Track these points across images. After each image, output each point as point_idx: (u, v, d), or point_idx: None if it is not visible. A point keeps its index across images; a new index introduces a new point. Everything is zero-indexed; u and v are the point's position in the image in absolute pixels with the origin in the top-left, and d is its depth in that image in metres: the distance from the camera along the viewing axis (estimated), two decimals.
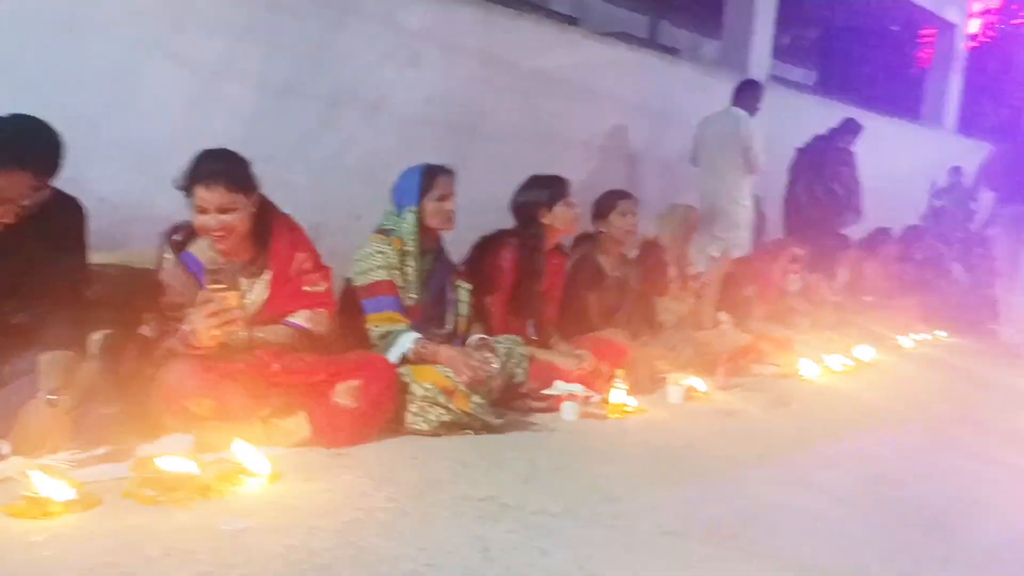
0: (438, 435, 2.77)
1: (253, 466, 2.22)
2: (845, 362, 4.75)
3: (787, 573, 1.93)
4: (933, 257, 7.67)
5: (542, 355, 3.45)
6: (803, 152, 6.94)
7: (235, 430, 2.36)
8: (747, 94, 6.09)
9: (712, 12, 8.55)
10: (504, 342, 3.21)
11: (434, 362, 2.93)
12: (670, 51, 7.70)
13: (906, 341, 5.94)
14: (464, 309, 3.30)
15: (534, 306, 3.65)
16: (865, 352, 5.07)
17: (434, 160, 3.26)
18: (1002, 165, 5.76)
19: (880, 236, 7.14)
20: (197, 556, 1.75)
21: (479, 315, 3.38)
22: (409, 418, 2.78)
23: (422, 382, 2.80)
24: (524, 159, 4.72)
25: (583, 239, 4.17)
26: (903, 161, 8.99)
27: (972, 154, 9.04)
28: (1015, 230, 5.57)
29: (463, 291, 3.31)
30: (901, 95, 11.00)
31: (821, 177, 6.85)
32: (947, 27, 10.69)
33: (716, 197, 6.00)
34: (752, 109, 6.05)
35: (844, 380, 4.49)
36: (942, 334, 6.52)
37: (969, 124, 10.39)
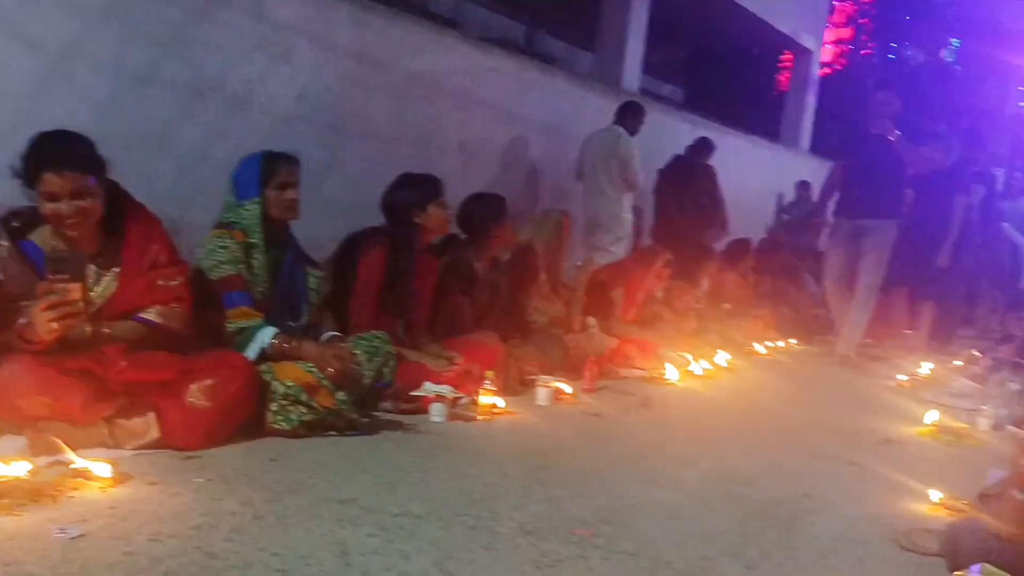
0: (300, 436, 2.69)
1: (92, 469, 2.08)
2: (705, 367, 4.94)
3: (644, 569, 1.98)
4: (787, 268, 8.13)
5: (411, 355, 3.41)
6: (665, 172, 7.27)
7: (74, 431, 2.21)
8: (629, 114, 6.42)
9: (587, 25, 8.77)
10: (370, 340, 3.15)
11: (297, 357, 2.84)
12: (547, 61, 7.82)
13: (761, 348, 6.23)
14: (315, 298, 3.19)
15: (404, 306, 3.61)
16: (723, 357, 5.29)
17: (305, 157, 3.14)
18: (837, 181, 6.24)
19: (739, 247, 7.49)
20: (24, 567, 1.62)
21: (332, 308, 3.28)
22: (270, 417, 2.68)
23: (284, 380, 2.71)
24: (397, 160, 4.68)
25: (454, 241, 4.15)
26: (761, 177, 9.50)
27: (823, 172, 9.64)
28: (851, 243, 6.01)
29: (313, 279, 3.19)
30: (761, 115, 11.61)
31: (688, 192, 7.17)
32: (804, 53, 11.42)
33: (598, 211, 6.32)
34: (633, 129, 6.36)
35: (703, 384, 4.67)
36: (793, 342, 6.89)
37: (821, 144, 11.08)
